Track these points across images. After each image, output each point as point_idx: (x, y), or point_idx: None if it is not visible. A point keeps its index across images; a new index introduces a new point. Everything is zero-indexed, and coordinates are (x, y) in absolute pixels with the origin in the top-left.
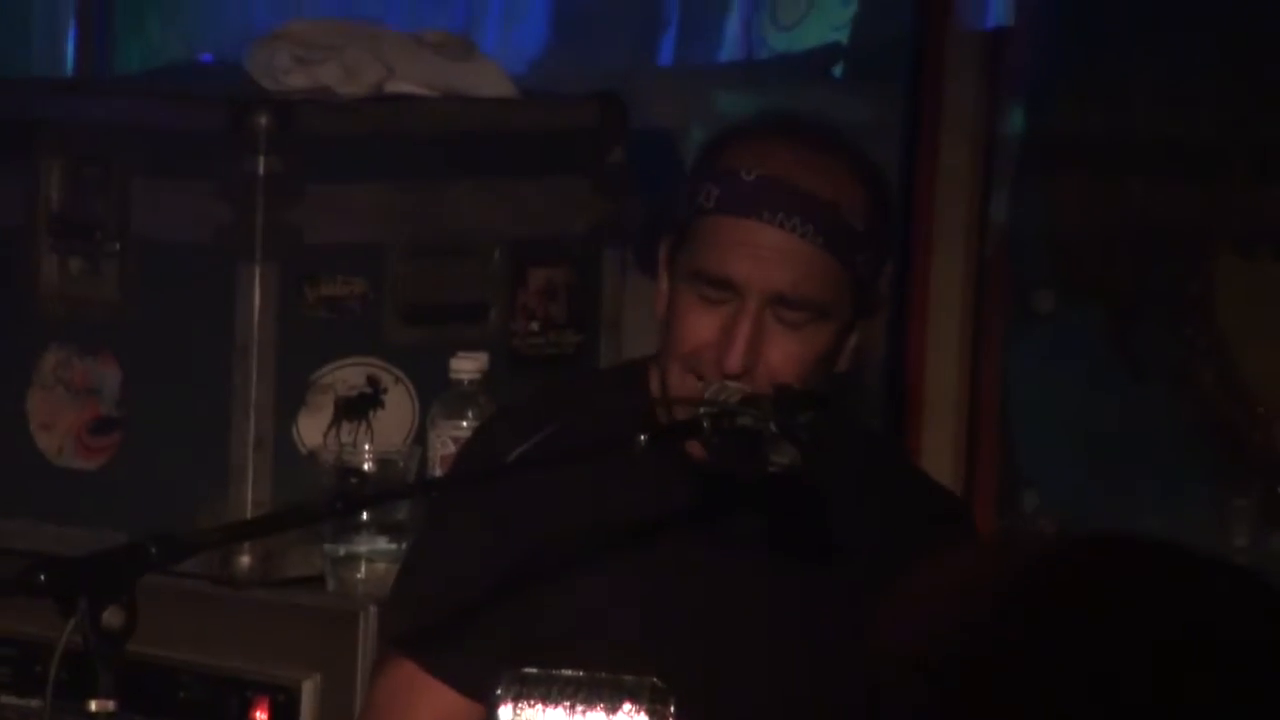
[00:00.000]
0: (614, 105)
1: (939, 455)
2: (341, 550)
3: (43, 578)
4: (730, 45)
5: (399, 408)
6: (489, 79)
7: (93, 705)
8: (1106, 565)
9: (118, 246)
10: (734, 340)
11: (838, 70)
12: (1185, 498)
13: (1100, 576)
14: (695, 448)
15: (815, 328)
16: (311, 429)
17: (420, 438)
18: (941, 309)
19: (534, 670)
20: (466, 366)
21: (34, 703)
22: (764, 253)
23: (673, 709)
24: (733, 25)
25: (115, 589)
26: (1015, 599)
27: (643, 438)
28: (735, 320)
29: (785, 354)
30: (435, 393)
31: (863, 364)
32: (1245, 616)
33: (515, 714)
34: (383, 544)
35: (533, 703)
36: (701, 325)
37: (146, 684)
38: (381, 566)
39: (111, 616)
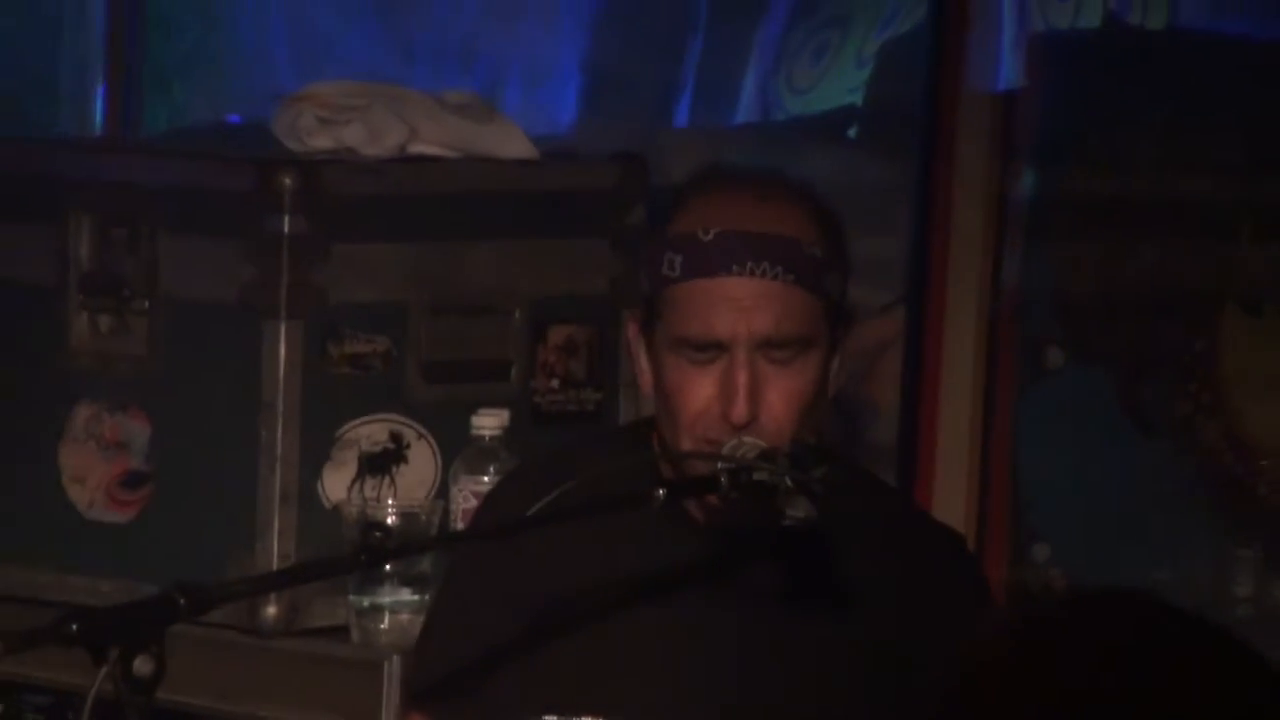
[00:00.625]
0: (635, 166)
1: (952, 508)
2: (365, 602)
3: (75, 628)
4: (746, 107)
5: (421, 463)
6: (510, 140)
7: None
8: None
9: (146, 304)
10: (735, 392)
11: (852, 132)
12: (1191, 549)
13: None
14: (695, 508)
15: (803, 360)
16: (336, 483)
17: (442, 492)
18: (954, 366)
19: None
20: (488, 423)
21: None
22: (743, 303)
23: None
24: (748, 88)
25: (145, 639)
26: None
27: (661, 492)
28: (729, 373)
29: (782, 392)
30: (457, 448)
31: (877, 417)
32: (1229, 687)
33: None
34: (406, 595)
35: None
36: (699, 390)
37: None
38: (405, 617)
39: (142, 665)
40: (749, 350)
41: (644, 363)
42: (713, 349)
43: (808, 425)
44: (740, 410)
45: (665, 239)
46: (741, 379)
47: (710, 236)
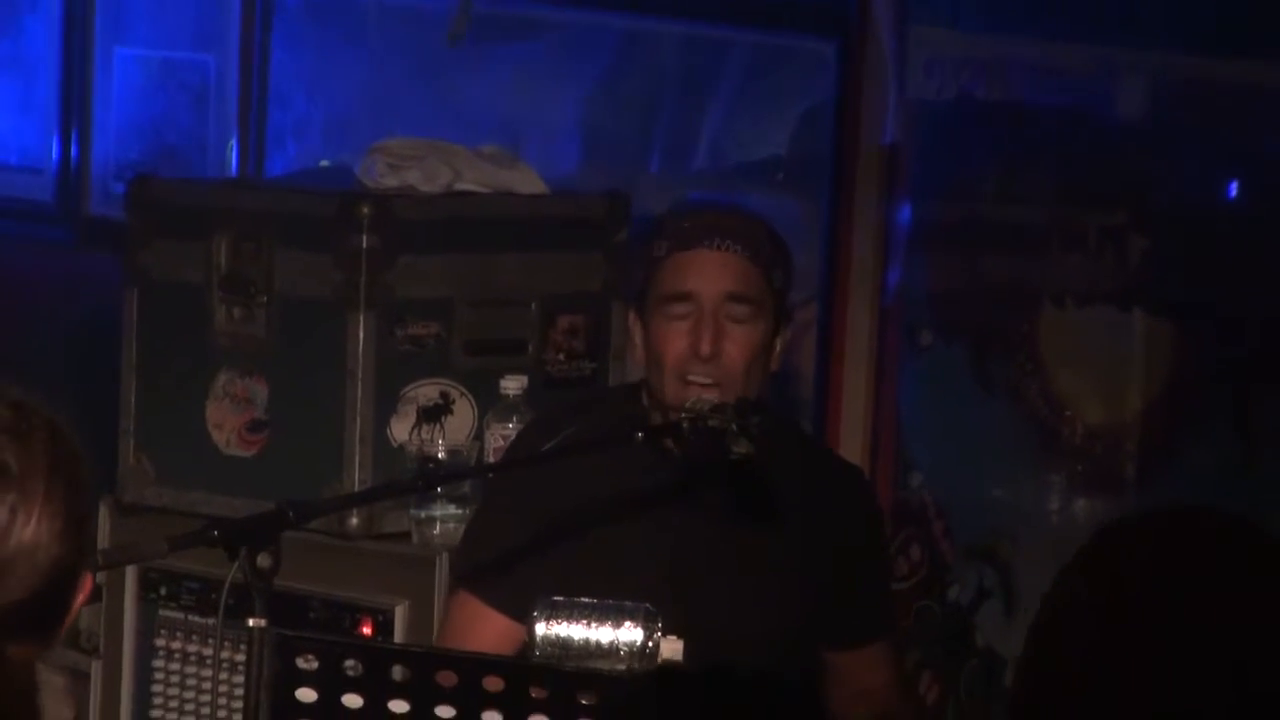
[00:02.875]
0: (620, 200)
1: (851, 448)
2: (423, 514)
3: (216, 533)
4: (702, 158)
5: (463, 414)
6: (528, 181)
7: (250, 622)
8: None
9: (265, 299)
10: (703, 333)
11: (779, 176)
12: (1020, 476)
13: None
14: (671, 444)
15: (754, 324)
16: (400, 429)
17: (479, 435)
18: (853, 344)
19: (560, 597)
20: (512, 385)
21: (210, 620)
22: (710, 268)
23: (660, 626)
24: (704, 144)
25: (266, 541)
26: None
27: (640, 434)
28: (699, 321)
29: (738, 342)
30: (490, 404)
31: (800, 382)
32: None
33: (548, 628)
34: (452, 510)
35: (560, 621)
36: (676, 337)
37: (287, 608)
38: (451, 525)
39: (263, 560)
40: (715, 302)
41: (637, 339)
42: (688, 301)
43: (753, 379)
44: (706, 345)
45: (657, 233)
46: (708, 324)
47: (688, 225)
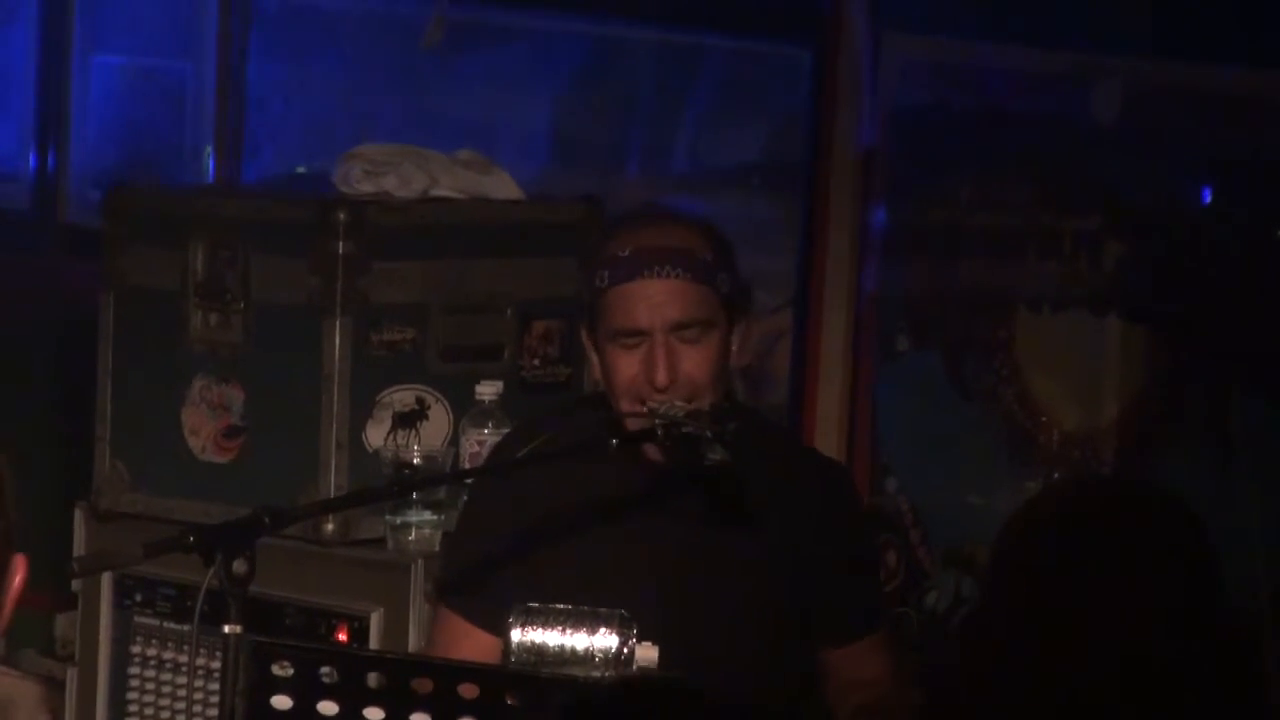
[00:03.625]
0: (595, 205)
1: (828, 451)
2: (398, 520)
3: (191, 539)
4: (679, 161)
5: (439, 420)
6: (504, 186)
7: (225, 628)
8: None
9: (242, 305)
10: (656, 364)
11: (755, 182)
12: (995, 480)
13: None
14: (651, 450)
15: (707, 338)
16: (376, 434)
17: (454, 441)
18: (829, 349)
19: (536, 604)
20: (488, 390)
21: (186, 627)
22: (655, 299)
23: (635, 632)
24: (680, 147)
25: (241, 547)
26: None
27: (614, 441)
28: (651, 352)
29: (693, 363)
30: (465, 409)
31: (777, 385)
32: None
33: (523, 635)
34: (427, 516)
35: (535, 627)
36: (628, 366)
37: (262, 614)
38: (427, 532)
39: (239, 566)
40: (664, 333)
41: (593, 355)
42: (637, 335)
43: (718, 387)
44: (661, 376)
45: (597, 261)
46: (660, 354)
47: (627, 253)
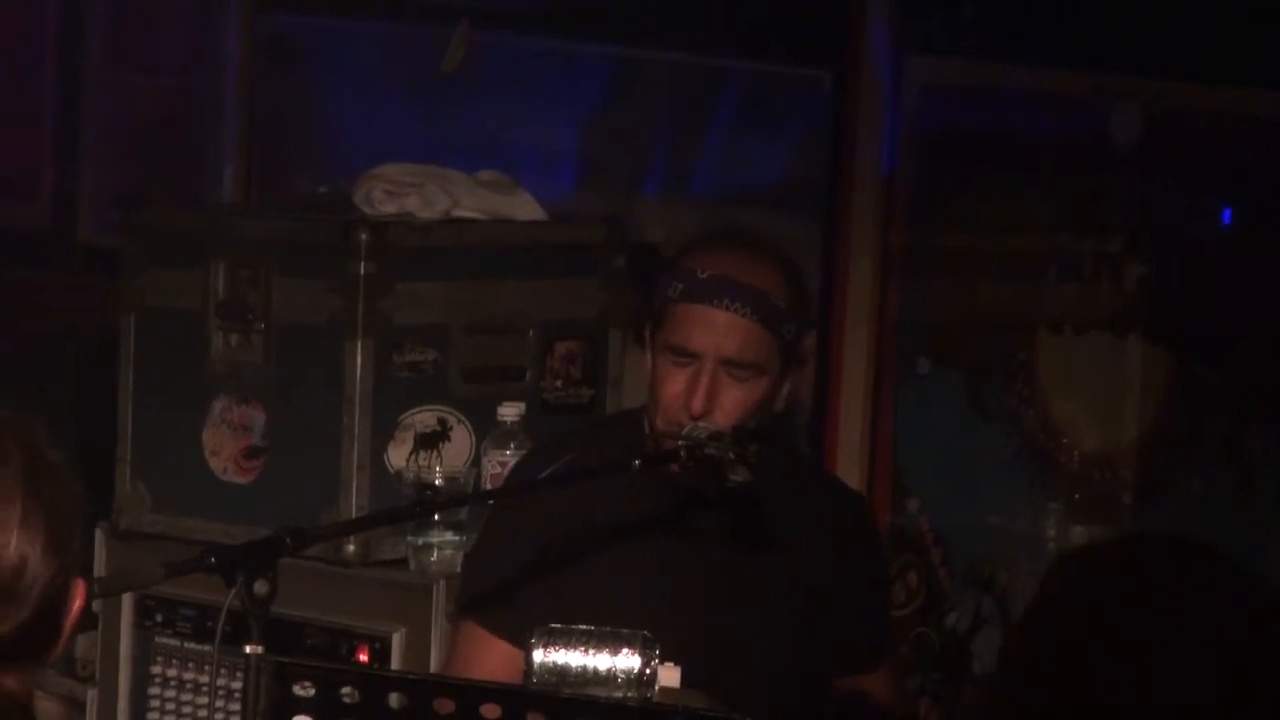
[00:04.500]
0: (617, 226)
1: (849, 473)
2: (420, 541)
3: (213, 560)
4: (700, 182)
5: (461, 441)
6: (526, 207)
7: (247, 649)
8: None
9: (263, 326)
10: (697, 390)
11: (776, 202)
12: (1016, 503)
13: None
14: (674, 471)
15: (755, 381)
16: (398, 455)
17: (476, 462)
18: (851, 370)
19: (558, 625)
20: (510, 412)
21: (207, 647)
22: (716, 329)
23: (658, 652)
24: (702, 168)
25: (263, 567)
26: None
27: (637, 461)
28: (697, 377)
29: (734, 400)
30: (487, 430)
31: (799, 409)
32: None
33: (545, 655)
34: (449, 536)
35: (557, 648)
36: (674, 383)
37: (284, 634)
38: (448, 552)
39: (260, 587)
40: (714, 363)
41: (648, 357)
42: (690, 357)
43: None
44: (697, 405)
45: (677, 269)
46: (704, 382)
47: (705, 275)
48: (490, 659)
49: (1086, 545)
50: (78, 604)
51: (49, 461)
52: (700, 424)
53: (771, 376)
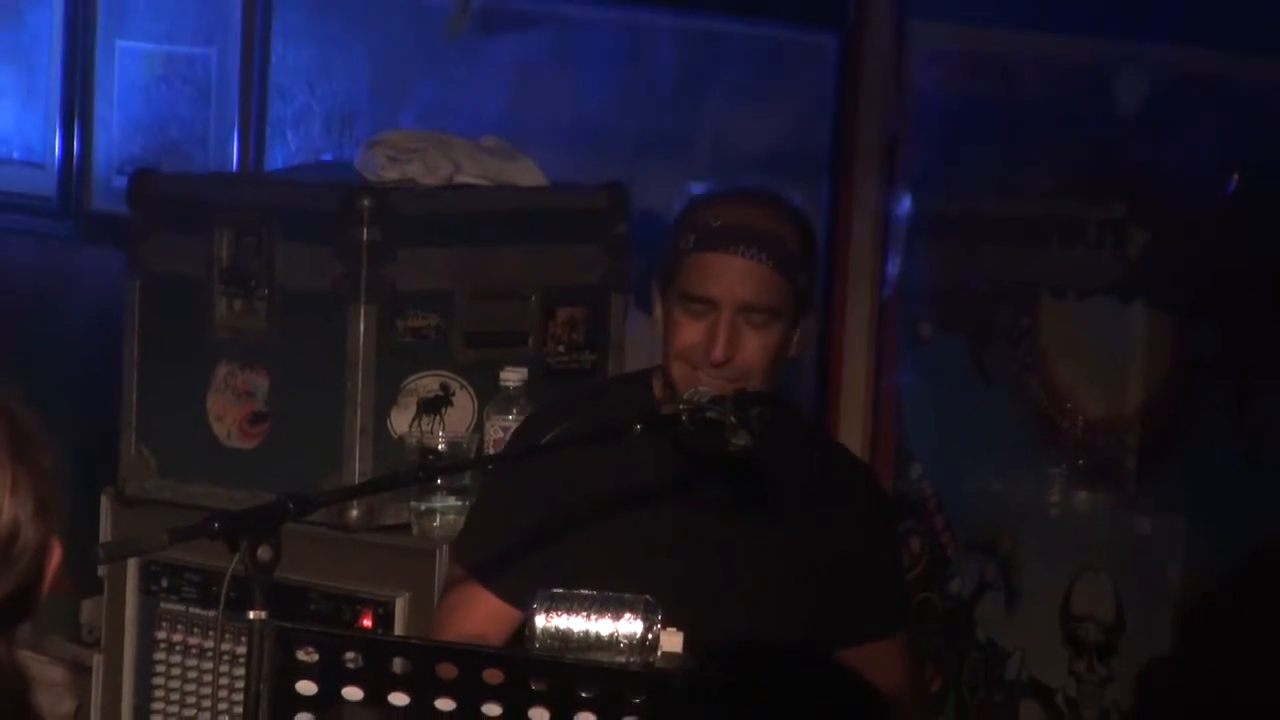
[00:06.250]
0: (618, 192)
1: (852, 438)
2: (423, 506)
3: (217, 525)
4: (703, 148)
5: (463, 406)
6: (528, 173)
7: (250, 614)
8: None
9: (267, 292)
10: (717, 338)
11: (779, 167)
12: (1019, 468)
13: None
14: (674, 435)
15: (771, 326)
16: (401, 421)
17: (478, 427)
18: (854, 336)
19: (560, 590)
20: (512, 377)
21: (211, 613)
22: (733, 276)
23: (660, 618)
24: (704, 133)
25: (266, 533)
26: None
27: (639, 426)
28: (716, 325)
29: (753, 346)
30: (489, 395)
31: (802, 372)
32: None
33: (547, 620)
34: (452, 501)
35: (559, 613)
36: (691, 333)
37: (288, 600)
38: (451, 517)
39: (263, 552)
40: (733, 310)
41: (659, 310)
42: (707, 304)
43: (769, 376)
44: (718, 352)
45: (688, 222)
46: (724, 329)
47: (718, 224)
48: (477, 611)
49: None
50: (55, 561)
51: (28, 426)
52: (702, 387)
53: (786, 322)
